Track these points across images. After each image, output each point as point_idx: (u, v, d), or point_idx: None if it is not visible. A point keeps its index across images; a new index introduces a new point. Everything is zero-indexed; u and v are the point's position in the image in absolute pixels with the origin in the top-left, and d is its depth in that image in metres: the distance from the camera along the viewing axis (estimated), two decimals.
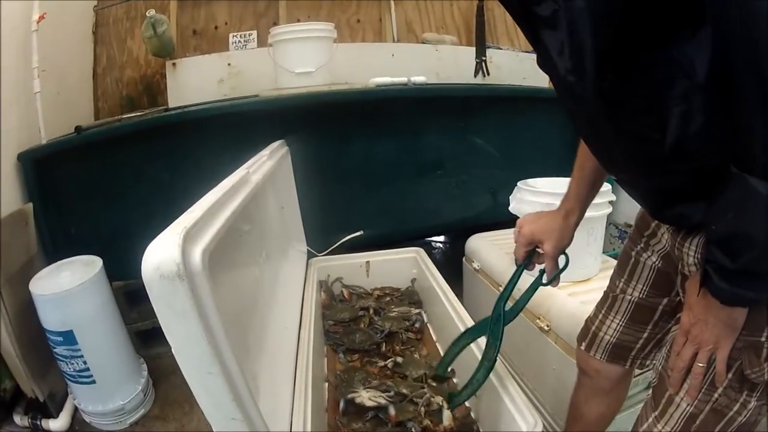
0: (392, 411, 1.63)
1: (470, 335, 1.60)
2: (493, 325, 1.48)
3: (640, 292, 1.28)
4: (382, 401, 1.66)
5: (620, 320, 1.33)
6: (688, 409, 1.03)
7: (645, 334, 1.31)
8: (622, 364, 1.37)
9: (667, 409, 1.08)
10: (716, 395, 1.00)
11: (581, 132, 1.07)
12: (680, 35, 0.71)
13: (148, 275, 0.82)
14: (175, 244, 0.85)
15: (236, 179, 1.38)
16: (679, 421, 1.06)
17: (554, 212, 1.36)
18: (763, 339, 0.91)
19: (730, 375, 0.97)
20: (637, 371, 1.56)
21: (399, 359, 1.95)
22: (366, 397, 1.68)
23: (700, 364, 0.97)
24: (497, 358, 1.43)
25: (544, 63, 0.92)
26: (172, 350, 0.88)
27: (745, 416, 1.00)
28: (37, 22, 2.78)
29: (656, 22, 0.71)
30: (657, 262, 1.21)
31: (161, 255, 0.83)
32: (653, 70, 0.75)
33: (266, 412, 1.10)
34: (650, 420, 1.12)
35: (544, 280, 1.39)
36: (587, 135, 1.06)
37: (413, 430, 1.57)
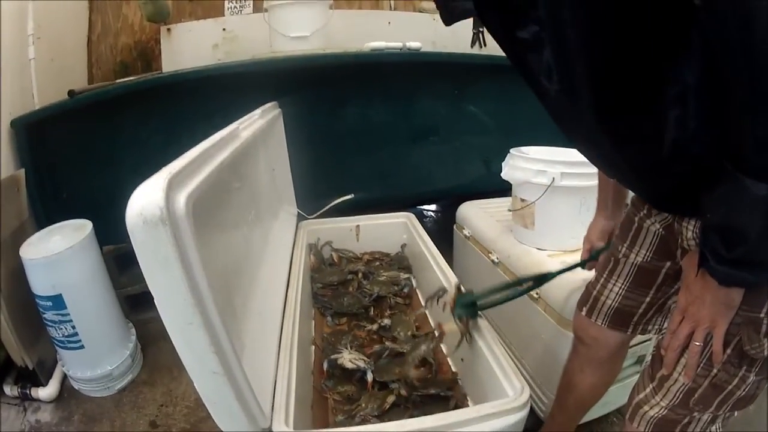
0: (369, 377, 1.64)
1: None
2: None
3: (644, 257, 1.26)
4: (362, 364, 1.66)
5: (622, 284, 1.31)
6: (686, 382, 1.02)
7: (647, 299, 1.28)
8: (623, 330, 1.35)
9: (664, 383, 1.07)
10: (715, 370, 0.99)
11: (576, 144, 1.09)
12: (671, 50, 0.72)
13: (131, 221, 0.81)
14: (160, 189, 0.83)
15: (225, 133, 1.36)
16: (678, 394, 1.05)
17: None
18: (762, 315, 0.90)
19: (729, 351, 0.96)
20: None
21: (386, 321, 1.96)
22: (347, 359, 1.68)
23: (697, 343, 0.96)
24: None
25: (530, 84, 0.95)
26: (155, 300, 0.87)
27: (744, 390, 1.00)
28: None
29: (646, 41, 0.71)
30: (660, 230, 1.20)
31: (145, 200, 0.82)
32: (646, 81, 0.76)
33: (250, 371, 1.09)
34: (647, 391, 1.11)
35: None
36: (582, 146, 1.08)
37: (395, 391, 1.57)
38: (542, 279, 1.53)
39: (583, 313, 1.42)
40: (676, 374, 1.03)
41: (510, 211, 2.17)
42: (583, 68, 0.77)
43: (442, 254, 2.08)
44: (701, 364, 0.99)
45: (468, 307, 1.54)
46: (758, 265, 0.80)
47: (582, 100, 0.82)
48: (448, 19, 1.09)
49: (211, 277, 0.93)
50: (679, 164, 0.83)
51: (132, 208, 0.81)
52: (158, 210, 0.80)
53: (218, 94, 2.41)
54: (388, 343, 1.82)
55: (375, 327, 1.95)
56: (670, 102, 0.76)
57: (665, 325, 1.27)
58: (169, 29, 3.48)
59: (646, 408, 1.11)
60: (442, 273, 1.92)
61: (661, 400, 1.08)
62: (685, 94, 0.74)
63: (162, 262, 0.83)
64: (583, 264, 1.52)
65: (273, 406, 1.22)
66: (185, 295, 0.85)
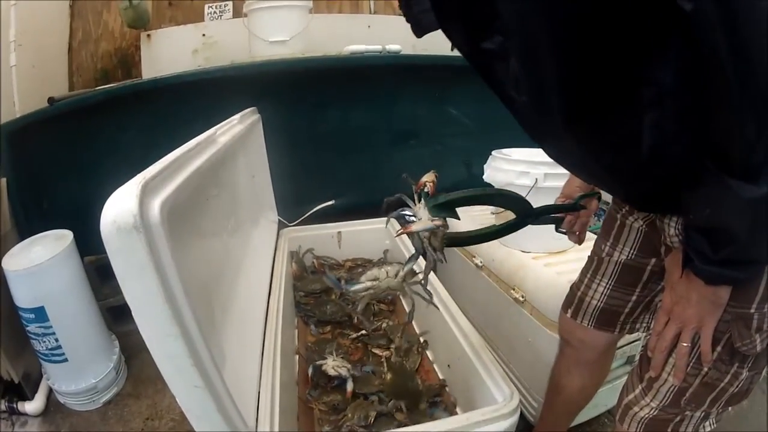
0: (349, 387, 1.62)
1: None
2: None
3: (628, 255, 1.24)
4: (344, 372, 1.64)
5: (607, 283, 1.29)
6: (676, 383, 1.01)
7: (634, 297, 1.27)
8: (610, 330, 1.33)
9: (654, 384, 1.05)
10: (705, 369, 0.97)
11: (549, 153, 1.06)
12: (645, 51, 0.70)
13: (105, 229, 0.78)
14: (133, 195, 0.81)
15: (202, 138, 1.33)
16: (668, 395, 1.03)
17: None
18: (752, 310, 0.89)
19: (719, 348, 0.94)
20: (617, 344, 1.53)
21: (384, 324, 1.98)
22: (330, 365, 1.66)
23: (685, 344, 0.95)
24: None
25: (499, 95, 0.93)
26: (131, 311, 0.84)
27: (737, 386, 0.98)
28: None
29: (619, 43, 0.69)
30: (643, 226, 1.18)
31: (118, 207, 0.79)
32: (620, 86, 0.74)
33: (232, 383, 1.06)
34: (637, 392, 1.10)
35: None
36: (557, 155, 1.05)
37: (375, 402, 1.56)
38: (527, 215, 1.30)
39: (568, 314, 1.40)
40: (666, 374, 1.02)
41: (493, 214, 2.16)
42: (553, 75, 0.74)
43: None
44: (691, 364, 0.97)
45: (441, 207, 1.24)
46: (747, 263, 0.79)
47: (552, 109, 0.79)
48: (418, 31, 1.06)
49: (188, 286, 0.90)
50: (659, 167, 0.81)
51: (106, 216, 0.78)
52: (131, 217, 0.77)
53: (198, 99, 2.38)
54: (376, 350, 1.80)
55: (359, 335, 1.93)
56: (646, 105, 0.73)
57: (653, 322, 1.25)
58: (149, 35, 3.44)
59: (636, 409, 1.09)
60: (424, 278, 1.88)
61: (651, 400, 1.06)
62: (661, 96, 0.72)
63: (137, 271, 0.80)
64: (574, 206, 1.34)
65: (257, 418, 1.20)
66: (162, 305, 0.82)
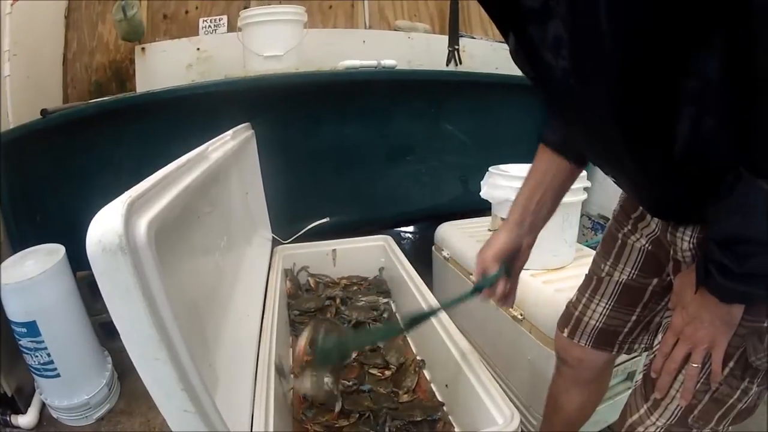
0: (337, 407, 1.59)
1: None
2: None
3: (629, 275, 1.22)
4: (335, 391, 1.62)
5: (607, 303, 1.27)
6: (683, 404, 0.98)
7: (633, 317, 1.25)
8: (608, 351, 1.31)
9: (661, 402, 1.02)
10: (715, 385, 0.94)
11: (576, 132, 1.02)
12: (697, 42, 0.67)
13: (91, 249, 0.75)
14: (118, 215, 0.78)
15: (193, 155, 1.31)
16: (676, 412, 1.00)
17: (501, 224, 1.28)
18: (766, 324, 0.86)
19: (731, 363, 0.92)
20: (617, 361, 1.50)
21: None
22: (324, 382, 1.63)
23: (695, 365, 0.92)
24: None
25: (529, 61, 0.87)
26: (120, 333, 0.81)
27: (745, 402, 0.96)
28: (11, 5, 2.73)
29: (676, 23, 0.66)
30: (646, 245, 1.16)
31: (103, 227, 0.76)
32: (666, 71, 0.71)
33: (224, 405, 1.03)
34: (642, 411, 1.06)
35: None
36: (584, 135, 0.99)
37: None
38: (414, 322, 1.38)
39: (565, 334, 1.38)
40: (674, 391, 0.99)
41: (490, 230, 2.14)
42: (608, 44, 0.70)
43: (421, 277, 2.04)
44: (700, 381, 0.94)
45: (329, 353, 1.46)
46: None
47: (597, 82, 0.76)
48: None
49: (177, 308, 0.87)
50: (691, 165, 0.78)
51: (91, 236, 0.76)
52: (117, 237, 0.74)
53: (192, 114, 2.36)
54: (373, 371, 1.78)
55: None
56: (687, 98, 0.71)
57: (655, 342, 1.22)
58: (143, 48, 3.45)
59: (640, 429, 1.06)
60: (421, 296, 1.87)
61: (657, 419, 1.03)
62: (704, 91, 0.70)
63: (123, 294, 0.77)
64: (475, 291, 1.28)
65: None
66: (149, 329, 0.79)
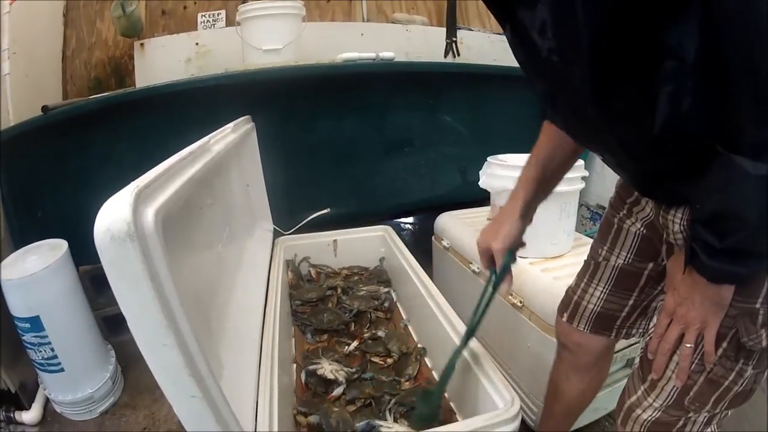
0: (338, 391, 1.62)
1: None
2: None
3: (625, 259, 1.23)
4: (341, 378, 1.65)
5: (604, 287, 1.28)
6: (678, 384, 1.00)
7: (630, 301, 1.26)
8: (606, 335, 1.33)
9: (657, 383, 1.04)
10: (710, 366, 0.96)
11: (562, 114, 1.03)
12: (670, 16, 0.69)
13: (99, 238, 0.77)
14: (126, 203, 0.79)
15: (195, 147, 1.32)
16: (672, 393, 1.02)
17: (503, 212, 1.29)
18: (758, 305, 0.87)
19: (725, 344, 0.93)
20: (616, 347, 1.52)
21: (381, 333, 1.97)
22: (328, 369, 1.66)
23: (688, 345, 0.94)
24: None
25: (520, 43, 0.89)
26: (127, 321, 0.82)
27: (741, 385, 0.97)
28: (10, 4, 2.75)
29: (652, 4, 0.68)
30: (641, 229, 1.17)
31: (112, 215, 0.78)
32: (642, 51, 0.73)
33: (229, 392, 1.05)
34: (639, 393, 1.08)
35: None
36: (569, 116, 1.01)
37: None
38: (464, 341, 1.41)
39: (564, 318, 1.40)
40: (669, 372, 1.00)
41: (489, 220, 2.15)
42: (581, 19, 0.72)
43: (421, 266, 2.06)
44: (694, 363, 0.96)
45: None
46: (752, 255, 0.77)
47: (575, 60, 0.77)
48: None
49: (184, 295, 0.89)
50: (671, 143, 0.80)
51: (99, 225, 0.77)
52: (125, 225, 0.76)
53: (191, 108, 2.37)
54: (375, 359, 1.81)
55: (355, 344, 1.92)
56: (665, 76, 0.72)
57: (650, 326, 1.24)
58: (142, 44, 3.46)
59: (638, 411, 1.08)
60: (422, 285, 1.89)
61: (654, 400, 1.05)
62: (681, 70, 0.71)
63: (132, 281, 0.79)
64: (496, 286, 1.31)
65: (256, 427, 1.18)
66: (157, 315, 0.81)
